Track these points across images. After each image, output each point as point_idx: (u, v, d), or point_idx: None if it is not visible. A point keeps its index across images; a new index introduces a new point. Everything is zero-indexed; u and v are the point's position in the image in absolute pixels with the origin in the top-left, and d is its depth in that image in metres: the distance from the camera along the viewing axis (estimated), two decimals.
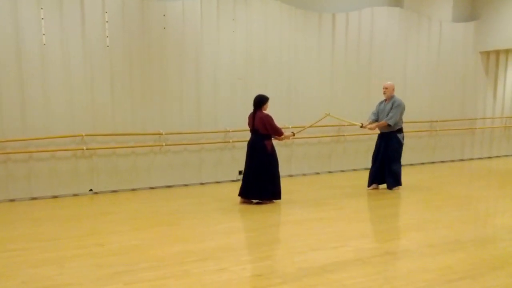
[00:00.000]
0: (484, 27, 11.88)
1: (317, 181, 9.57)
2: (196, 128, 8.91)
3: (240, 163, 9.42)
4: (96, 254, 5.09)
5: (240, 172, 9.47)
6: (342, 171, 10.57)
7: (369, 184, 8.56)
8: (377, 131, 8.53)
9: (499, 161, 12.41)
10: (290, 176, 10.01)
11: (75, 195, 8.16)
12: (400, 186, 8.46)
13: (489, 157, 12.80)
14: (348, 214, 6.96)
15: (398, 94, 11.00)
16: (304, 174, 10.18)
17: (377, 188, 8.55)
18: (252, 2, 9.22)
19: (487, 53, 12.25)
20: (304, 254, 5.08)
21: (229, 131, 9.16)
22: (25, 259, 4.96)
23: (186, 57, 8.75)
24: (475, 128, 12.41)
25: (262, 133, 7.25)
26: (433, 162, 11.92)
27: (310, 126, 8.52)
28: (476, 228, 6.10)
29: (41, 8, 7.59)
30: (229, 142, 9.24)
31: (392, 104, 8.13)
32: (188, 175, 9.05)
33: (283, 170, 9.85)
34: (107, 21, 8.07)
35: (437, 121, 11.74)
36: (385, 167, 8.37)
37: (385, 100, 8.33)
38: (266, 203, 7.38)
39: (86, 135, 8.05)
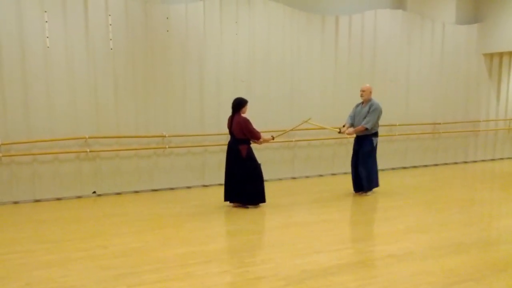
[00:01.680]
0: (487, 29, 11.87)
1: (320, 183, 9.57)
2: (199, 131, 8.93)
3: None
4: (100, 256, 5.11)
5: None
6: (345, 173, 10.53)
7: (355, 190, 8.35)
8: (354, 136, 8.32)
9: (502, 163, 12.38)
10: (293, 178, 10.02)
11: (78, 197, 8.18)
12: (375, 188, 8.36)
13: (493, 159, 12.77)
14: (351, 217, 6.96)
15: (401, 97, 11.14)
16: (307, 176, 10.18)
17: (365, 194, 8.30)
18: (255, 4, 9.24)
19: (491, 55, 12.24)
20: (307, 256, 5.08)
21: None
22: (29, 261, 4.98)
23: (189, 59, 8.77)
24: (479, 130, 12.39)
25: (238, 137, 7.14)
26: (436, 165, 11.91)
27: (290, 130, 8.38)
28: (479, 230, 6.09)
29: (45, 11, 7.63)
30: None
31: (369, 108, 7.95)
32: (191, 177, 9.06)
33: (286, 172, 9.98)
34: (110, 24, 8.09)
35: (440, 123, 11.73)
36: (358, 171, 8.20)
37: (362, 103, 8.16)
38: (249, 207, 7.27)
39: (89, 138, 8.07)
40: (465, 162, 12.35)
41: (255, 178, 7.25)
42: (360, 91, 8.14)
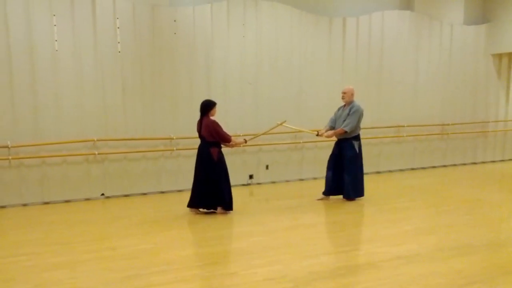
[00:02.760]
0: (496, 30, 11.81)
1: None
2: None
3: (251, 167, 9.49)
4: (108, 258, 5.13)
5: (250, 176, 9.51)
6: None
7: (325, 193, 8.02)
8: (335, 139, 8.03)
9: None
10: (301, 180, 10.01)
11: (87, 199, 8.23)
12: (362, 197, 7.96)
13: (502, 160, 12.69)
14: (359, 218, 6.94)
15: (409, 98, 11.10)
16: (314, 178, 10.16)
17: (327, 199, 8.02)
18: (262, 7, 9.25)
19: (499, 56, 12.17)
20: (315, 258, 5.07)
21: (239, 135, 9.16)
22: (38, 263, 5.01)
23: (196, 62, 8.80)
24: (487, 131, 12.32)
25: (209, 140, 6.93)
26: (444, 166, 11.85)
27: (263, 133, 8.16)
28: (488, 232, 6.05)
29: (54, 15, 7.68)
30: (239, 146, 9.24)
31: (350, 110, 7.66)
32: None
33: (294, 173, 9.97)
34: (118, 27, 8.14)
35: (448, 124, 11.68)
36: (341, 177, 7.83)
37: (344, 105, 7.88)
38: (217, 213, 7.05)
39: (97, 140, 8.11)
40: (474, 163, 12.28)
41: (224, 183, 7.01)
42: (341, 93, 7.85)
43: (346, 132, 7.66)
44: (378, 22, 10.53)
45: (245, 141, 7.42)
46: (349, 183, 7.79)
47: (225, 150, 9.09)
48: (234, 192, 8.84)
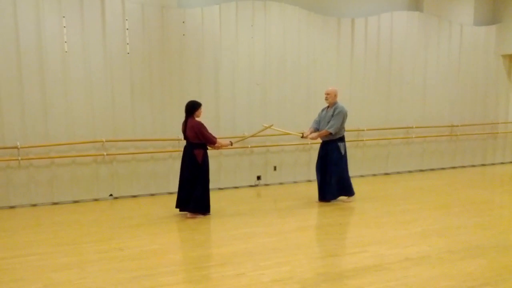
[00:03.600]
0: (506, 30, 11.73)
1: None
2: (214, 133, 8.87)
3: (259, 168, 9.49)
4: (116, 259, 5.15)
5: (258, 177, 9.51)
6: (362, 176, 10.51)
7: (319, 197, 7.99)
8: (319, 141, 7.99)
9: None
10: (309, 181, 9.99)
11: (95, 200, 8.26)
12: (352, 197, 7.94)
13: None
14: (367, 219, 6.92)
15: (418, 99, 11.05)
16: None
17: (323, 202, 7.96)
18: (271, 8, 9.25)
19: (510, 56, 12.08)
20: (323, 259, 5.07)
21: (246, 137, 9.16)
22: (47, 263, 5.04)
23: (205, 63, 8.82)
24: (497, 133, 12.23)
25: (193, 142, 6.83)
26: (453, 167, 11.78)
27: (250, 136, 8.12)
28: (497, 234, 6.01)
29: (63, 17, 7.73)
30: (248, 147, 9.27)
31: (334, 111, 7.59)
32: None
33: (301, 175, 9.96)
34: (127, 29, 8.17)
35: (457, 126, 11.61)
36: (326, 180, 7.80)
37: (328, 106, 7.80)
38: (198, 217, 6.91)
39: (106, 141, 8.15)
40: (483, 165, 12.20)
41: (205, 186, 6.93)
42: (325, 94, 7.78)
43: (330, 133, 7.61)
44: (387, 23, 10.50)
45: (231, 143, 7.26)
46: (334, 185, 7.74)
47: (231, 151, 9.20)
48: (242, 193, 8.92)
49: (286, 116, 9.54)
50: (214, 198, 8.44)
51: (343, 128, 7.77)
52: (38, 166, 7.83)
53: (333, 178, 7.74)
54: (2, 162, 7.60)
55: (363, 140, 10.48)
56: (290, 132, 8.34)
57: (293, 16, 9.50)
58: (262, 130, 7.88)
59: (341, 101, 9.95)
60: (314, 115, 9.64)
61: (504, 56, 11.99)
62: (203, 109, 7.01)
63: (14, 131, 7.61)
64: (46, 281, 4.51)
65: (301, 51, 9.66)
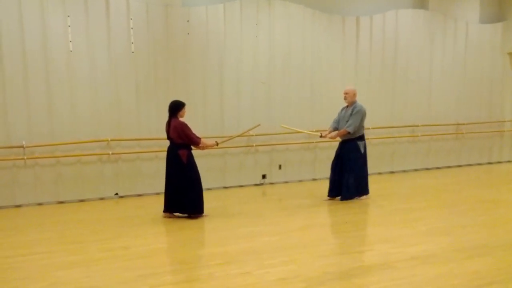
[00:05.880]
0: None
1: None
2: (219, 132, 8.94)
3: (264, 167, 9.48)
4: (122, 257, 5.15)
5: (263, 176, 9.50)
6: (368, 174, 10.45)
7: (329, 194, 8.01)
8: (339, 140, 7.98)
9: None
10: (314, 180, 9.97)
11: (101, 199, 8.28)
12: (362, 197, 7.93)
13: None
14: (373, 218, 6.89)
15: (424, 97, 11.01)
16: (327, 178, 10.05)
17: (332, 200, 7.99)
18: (275, 6, 9.23)
19: None
20: (329, 258, 5.05)
21: (252, 135, 9.17)
22: (53, 261, 5.05)
23: (209, 61, 8.81)
24: (503, 131, 12.17)
25: (177, 142, 6.69)
26: (459, 166, 11.73)
27: (237, 136, 8.00)
28: (504, 232, 5.97)
29: (68, 16, 7.74)
30: (252, 146, 9.26)
31: (352, 110, 7.59)
32: (211, 179, 9.08)
33: (307, 173, 9.94)
34: (132, 28, 8.18)
35: (463, 124, 11.56)
36: (342, 179, 7.80)
37: (347, 106, 7.80)
38: (190, 218, 6.80)
39: (111, 140, 8.16)
40: (490, 163, 12.14)
41: (196, 186, 6.79)
42: (343, 93, 7.75)
43: (349, 132, 7.60)
44: (392, 21, 10.46)
45: (217, 144, 7.07)
46: (352, 184, 7.74)
47: (238, 150, 9.19)
48: (247, 191, 8.91)
49: (290, 114, 9.52)
50: (219, 197, 8.48)
51: (363, 127, 7.76)
52: (44, 165, 7.85)
53: (351, 177, 7.72)
54: (8, 161, 7.62)
55: (368, 139, 10.36)
56: (309, 132, 8.41)
57: (297, 15, 9.48)
58: (250, 130, 7.85)
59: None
60: (318, 114, 9.70)
61: (510, 53, 11.90)
62: (187, 108, 6.90)
63: (19, 130, 7.63)
64: (51, 279, 4.52)
65: (306, 50, 9.64)
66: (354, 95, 7.72)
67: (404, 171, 10.99)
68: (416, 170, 11.12)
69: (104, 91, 8.11)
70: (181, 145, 6.70)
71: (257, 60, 9.21)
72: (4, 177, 7.66)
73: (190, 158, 6.80)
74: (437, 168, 11.41)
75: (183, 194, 6.70)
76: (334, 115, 9.53)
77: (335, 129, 7.86)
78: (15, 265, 4.95)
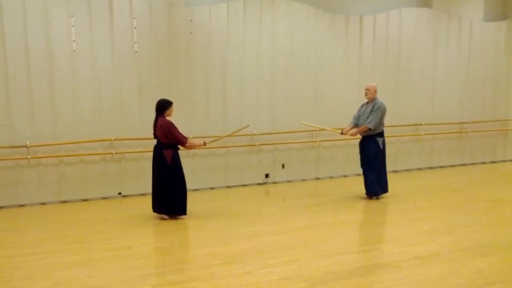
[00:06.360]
0: None
1: (345, 184, 9.48)
2: (222, 132, 8.93)
3: (267, 166, 9.48)
4: (125, 257, 5.16)
5: (266, 175, 9.49)
6: None
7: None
8: (359, 137, 8.07)
9: None
10: (317, 179, 9.96)
11: (104, 198, 8.28)
12: (383, 194, 8.01)
13: None
14: (376, 218, 6.89)
15: (427, 96, 10.99)
16: (331, 177, 10.11)
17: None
18: (279, 5, 9.22)
19: None
20: (331, 257, 5.05)
21: (255, 134, 9.17)
22: (56, 261, 5.07)
23: (212, 61, 8.81)
24: (508, 130, 12.12)
25: (163, 141, 6.59)
26: (463, 164, 11.69)
27: (226, 136, 7.87)
28: (507, 232, 5.95)
29: (71, 16, 7.75)
30: (255, 145, 9.25)
31: (373, 107, 7.67)
32: (214, 178, 9.09)
33: (310, 172, 9.93)
34: (135, 27, 8.18)
35: (467, 123, 11.52)
36: (364, 175, 7.98)
37: (367, 102, 7.88)
38: (173, 219, 6.75)
39: (114, 140, 8.16)
40: (493, 162, 12.10)
41: (179, 187, 6.70)
42: (365, 89, 7.88)
43: (369, 129, 7.69)
44: (396, 19, 10.43)
45: (204, 144, 6.95)
46: (374, 180, 7.84)
47: (241, 149, 9.19)
48: (250, 191, 8.91)
49: (293, 113, 9.50)
50: (222, 196, 8.49)
51: (382, 123, 7.85)
52: (47, 164, 7.87)
53: (372, 174, 7.84)
54: (12, 161, 7.63)
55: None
56: (329, 128, 8.47)
57: (301, 14, 9.46)
58: (239, 130, 7.77)
59: (349, 98, 10.00)
60: (322, 113, 9.69)
61: None
62: (174, 107, 6.81)
63: (23, 130, 7.64)
64: (54, 279, 4.53)
65: (309, 49, 9.62)
66: (375, 91, 7.83)
67: (408, 170, 10.97)
68: (419, 169, 11.09)
69: (107, 91, 8.11)
70: (166, 144, 6.62)
71: (260, 59, 9.20)
72: (7, 177, 7.68)
73: (175, 158, 6.70)
74: (441, 167, 11.38)
75: (166, 194, 6.64)
76: (337, 113, 9.59)
77: (355, 125, 7.98)
78: (18, 265, 4.97)
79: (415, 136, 10.93)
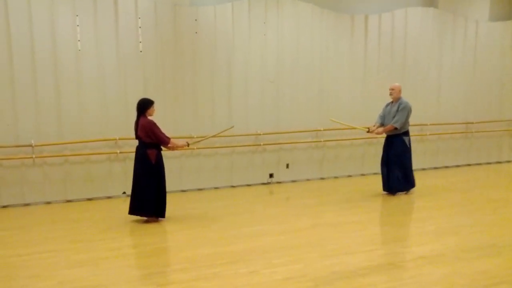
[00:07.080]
0: None
1: (349, 184, 9.47)
2: (227, 132, 8.93)
3: (271, 166, 9.47)
4: (129, 256, 5.18)
5: (271, 175, 9.49)
6: (375, 173, 10.40)
7: (383, 188, 8.29)
8: (384, 135, 8.31)
9: None
10: (322, 178, 9.95)
11: (109, 197, 8.30)
12: (410, 191, 8.28)
13: None
14: (381, 218, 6.87)
15: (432, 96, 10.95)
16: (335, 177, 10.09)
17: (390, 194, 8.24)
18: (284, 5, 9.21)
19: None
20: (336, 257, 5.04)
21: (260, 134, 9.17)
22: (61, 260, 5.08)
23: (217, 60, 8.81)
24: None
25: (146, 141, 6.43)
26: (468, 165, 11.65)
27: (211, 137, 7.77)
28: None
29: (77, 15, 7.77)
30: (260, 145, 9.25)
31: (398, 106, 7.92)
32: (219, 178, 9.09)
33: (314, 172, 9.92)
34: (140, 27, 8.19)
35: (473, 123, 11.47)
36: (389, 173, 8.13)
37: (392, 102, 8.12)
38: (150, 221, 6.60)
39: (119, 139, 8.18)
40: (499, 162, 12.04)
41: (162, 188, 6.61)
42: (389, 89, 8.10)
43: (396, 128, 7.90)
44: (401, 19, 10.40)
45: (188, 144, 6.84)
46: (401, 178, 8.07)
47: (245, 149, 9.18)
48: (255, 191, 8.91)
49: (299, 113, 9.50)
50: (227, 196, 8.50)
51: (408, 122, 8.05)
52: (52, 164, 7.89)
53: (398, 171, 8.05)
54: (17, 160, 7.66)
55: (376, 137, 10.37)
56: (356, 127, 8.59)
57: (306, 13, 9.45)
58: (224, 131, 7.67)
59: (354, 97, 9.99)
60: (326, 112, 9.67)
61: None
62: (156, 107, 6.70)
63: (28, 129, 7.67)
64: (59, 278, 4.54)
65: (314, 48, 9.61)
66: (400, 91, 8.05)
67: (413, 170, 10.91)
68: (424, 169, 11.05)
69: (112, 90, 8.13)
70: (150, 144, 6.48)
71: (265, 59, 9.20)
72: (13, 176, 7.71)
73: (159, 158, 6.59)
74: (446, 167, 11.34)
75: (147, 195, 6.46)
76: (343, 113, 9.57)
77: (381, 124, 8.19)
78: (23, 263, 4.99)
79: (420, 136, 10.90)
